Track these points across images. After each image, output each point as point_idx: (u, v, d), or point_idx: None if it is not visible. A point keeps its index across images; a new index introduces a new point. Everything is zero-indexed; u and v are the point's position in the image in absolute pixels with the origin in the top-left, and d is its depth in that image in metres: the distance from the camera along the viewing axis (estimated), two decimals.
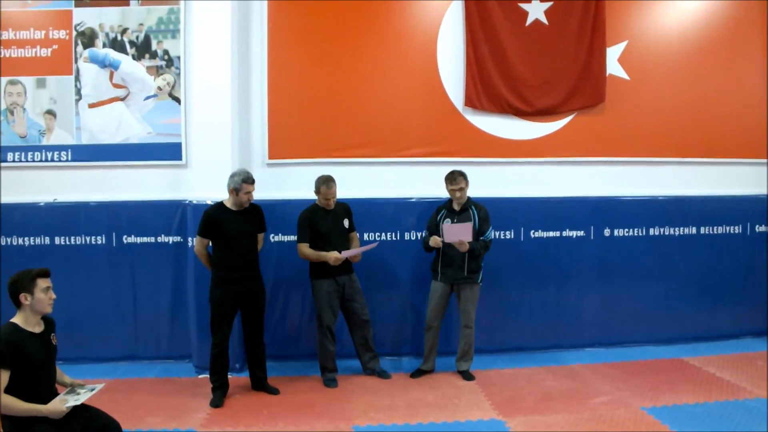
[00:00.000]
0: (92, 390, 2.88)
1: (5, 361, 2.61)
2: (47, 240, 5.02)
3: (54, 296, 2.84)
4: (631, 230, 5.44)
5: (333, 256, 4.41)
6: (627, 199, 5.45)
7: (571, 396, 4.28)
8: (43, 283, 2.78)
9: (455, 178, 4.56)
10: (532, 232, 5.33)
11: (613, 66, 5.46)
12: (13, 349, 2.64)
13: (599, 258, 5.38)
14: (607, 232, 5.41)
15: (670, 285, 5.48)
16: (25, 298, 2.74)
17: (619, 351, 5.26)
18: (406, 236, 5.17)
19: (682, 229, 5.51)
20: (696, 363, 4.94)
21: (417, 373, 4.73)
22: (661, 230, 5.48)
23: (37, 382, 2.73)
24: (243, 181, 4.17)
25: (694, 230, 5.52)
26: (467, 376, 4.67)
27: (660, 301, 5.46)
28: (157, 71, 5.14)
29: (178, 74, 5.12)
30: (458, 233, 4.40)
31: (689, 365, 4.91)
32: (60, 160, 5.14)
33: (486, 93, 5.34)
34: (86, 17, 5.11)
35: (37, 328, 2.81)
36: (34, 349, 2.72)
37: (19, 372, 2.65)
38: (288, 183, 5.23)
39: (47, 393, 2.78)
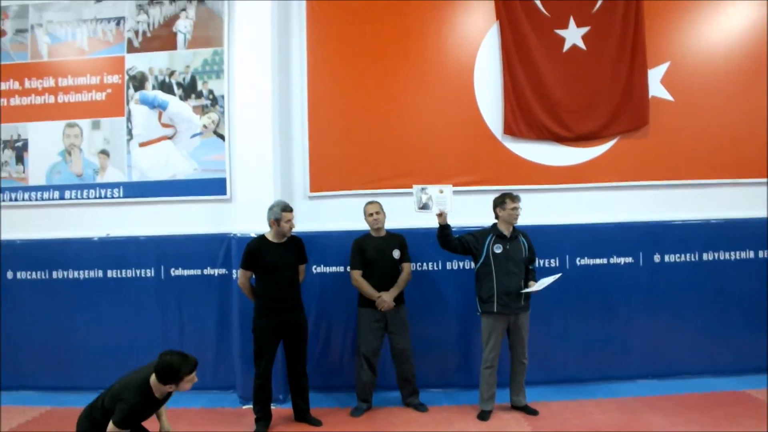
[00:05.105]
0: None
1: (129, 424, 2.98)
2: (100, 273, 5.23)
3: (195, 380, 3.13)
4: (682, 255, 5.24)
5: (382, 300, 4.51)
6: (677, 224, 5.26)
7: (622, 430, 4.09)
8: (189, 377, 3.08)
9: (517, 196, 4.46)
10: (578, 259, 5.20)
11: (656, 87, 5.35)
12: (137, 414, 3.02)
13: (650, 285, 5.19)
14: (657, 258, 5.22)
15: (728, 312, 5.21)
16: (170, 387, 3.06)
17: (674, 383, 5.02)
18: (448, 266, 5.12)
19: (738, 253, 5.27)
20: (759, 396, 4.65)
21: (486, 415, 4.44)
22: (716, 255, 5.25)
23: None
24: (282, 210, 4.26)
25: (751, 254, 5.26)
26: (532, 411, 4.48)
27: (717, 329, 5.19)
28: (202, 110, 5.36)
29: (222, 112, 5.32)
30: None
31: (752, 398, 4.63)
32: (113, 197, 5.40)
33: (525, 120, 5.32)
34: (137, 62, 5.42)
35: (159, 393, 3.10)
36: (147, 411, 3.07)
37: None
38: (329, 215, 5.31)
39: None
